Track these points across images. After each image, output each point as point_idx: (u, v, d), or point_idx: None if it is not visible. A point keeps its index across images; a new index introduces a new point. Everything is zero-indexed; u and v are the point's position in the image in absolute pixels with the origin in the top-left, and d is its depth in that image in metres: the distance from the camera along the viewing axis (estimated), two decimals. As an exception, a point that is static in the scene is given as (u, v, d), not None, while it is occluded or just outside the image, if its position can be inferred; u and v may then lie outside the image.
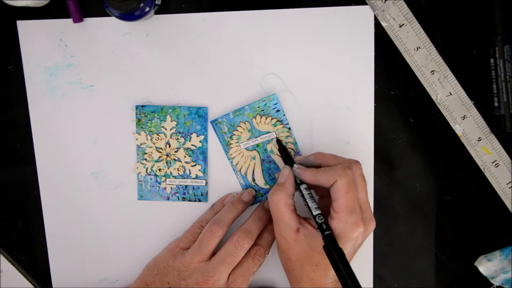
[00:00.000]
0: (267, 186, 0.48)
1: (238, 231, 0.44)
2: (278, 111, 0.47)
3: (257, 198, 0.48)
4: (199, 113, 0.47)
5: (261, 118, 0.47)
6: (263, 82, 0.46)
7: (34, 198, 0.48)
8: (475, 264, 0.48)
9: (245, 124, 0.47)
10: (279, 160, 0.47)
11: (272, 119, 0.47)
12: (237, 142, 0.47)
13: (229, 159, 0.47)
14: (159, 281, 0.45)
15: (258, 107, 0.47)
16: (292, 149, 0.47)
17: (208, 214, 0.47)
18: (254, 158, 0.47)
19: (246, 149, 0.47)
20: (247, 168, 0.48)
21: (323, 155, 0.43)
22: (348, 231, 0.39)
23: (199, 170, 0.47)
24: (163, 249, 0.47)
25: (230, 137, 0.47)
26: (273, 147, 0.47)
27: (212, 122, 0.47)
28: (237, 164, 0.47)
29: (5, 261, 0.49)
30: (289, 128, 0.47)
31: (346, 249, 0.40)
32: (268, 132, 0.47)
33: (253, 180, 0.48)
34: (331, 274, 0.40)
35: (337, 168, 0.40)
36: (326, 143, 0.47)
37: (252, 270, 0.45)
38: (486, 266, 0.47)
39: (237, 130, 0.47)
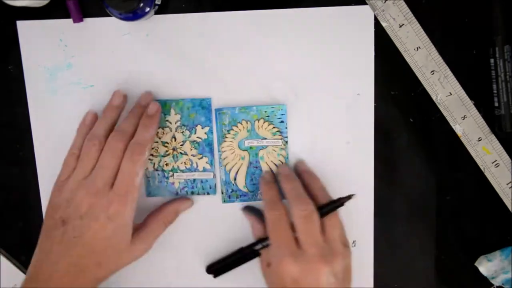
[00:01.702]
0: (245, 190, 0.48)
1: (110, 135, 0.42)
2: (282, 122, 0.47)
3: (230, 198, 0.48)
4: (203, 105, 0.47)
5: (264, 123, 0.47)
6: (266, 86, 0.47)
7: (34, 198, 0.48)
8: (475, 264, 0.48)
9: (246, 123, 0.47)
10: (265, 168, 0.47)
11: (273, 127, 0.47)
12: (233, 138, 0.47)
13: (218, 152, 0.47)
14: (52, 222, 0.41)
15: (265, 111, 0.47)
16: (282, 162, 0.47)
17: (77, 140, 0.45)
18: (243, 158, 0.47)
19: (239, 147, 0.47)
20: (233, 166, 0.47)
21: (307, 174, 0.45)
22: (276, 265, 0.40)
23: (206, 163, 0.47)
24: None
25: (227, 131, 0.47)
26: (265, 154, 0.47)
27: (216, 110, 0.47)
28: (225, 159, 0.47)
29: (5, 261, 0.49)
30: (286, 142, 0.47)
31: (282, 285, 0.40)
32: (265, 139, 0.47)
33: (234, 179, 0.48)
34: None
35: (266, 205, 0.43)
36: (326, 143, 0.47)
37: (134, 171, 0.41)
38: (486, 266, 0.47)
39: (237, 127, 0.47)
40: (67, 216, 0.41)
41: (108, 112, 0.44)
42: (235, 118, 0.47)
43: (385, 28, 0.45)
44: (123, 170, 0.41)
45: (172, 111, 0.47)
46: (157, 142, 0.47)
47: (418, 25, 0.45)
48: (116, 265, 0.42)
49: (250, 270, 0.49)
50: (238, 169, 0.47)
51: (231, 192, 0.48)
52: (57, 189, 0.43)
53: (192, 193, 0.48)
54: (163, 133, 0.47)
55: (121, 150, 0.41)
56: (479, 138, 0.47)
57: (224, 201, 0.48)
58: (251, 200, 0.48)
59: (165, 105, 0.47)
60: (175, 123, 0.47)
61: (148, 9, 0.43)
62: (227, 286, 0.49)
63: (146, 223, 0.44)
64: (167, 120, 0.47)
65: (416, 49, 0.45)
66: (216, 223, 0.48)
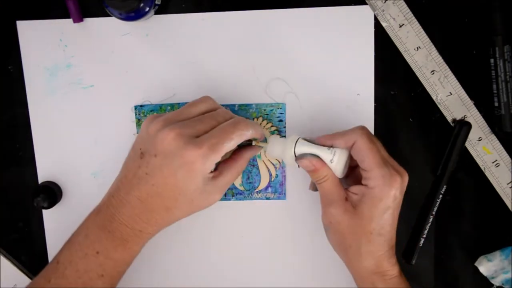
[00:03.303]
0: (242, 188, 0.48)
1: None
2: (281, 121, 0.47)
3: (226, 196, 0.48)
4: None
5: (263, 121, 0.47)
6: (266, 86, 0.46)
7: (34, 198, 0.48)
8: (475, 264, 0.48)
9: None
10: (263, 166, 0.47)
11: (272, 126, 0.47)
12: None
13: None
14: (133, 153, 0.41)
15: (264, 110, 0.47)
16: (279, 162, 0.47)
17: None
18: None
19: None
20: None
21: (325, 136, 0.42)
22: (387, 186, 0.39)
23: None
24: None
25: None
26: (262, 153, 0.47)
27: None
28: (222, 156, 0.47)
29: (5, 261, 0.49)
30: None
31: (388, 209, 0.39)
32: (264, 141, 0.47)
33: None
34: (387, 238, 0.40)
35: (353, 129, 0.40)
36: (326, 143, 0.47)
37: (230, 134, 0.39)
38: (486, 266, 0.47)
39: None
40: (145, 149, 0.39)
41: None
42: None
43: (385, 28, 0.45)
44: (220, 127, 0.39)
45: None
46: None
47: (418, 25, 0.45)
48: (184, 213, 0.41)
49: (251, 270, 0.49)
50: None
51: (227, 190, 0.47)
52: (149, 120, 0.40)
53: None
54: None
55: (226, 120, 0.40)
56: (479, 138, 0.47)
57: (220, 199, 0.48)
58: (247, 199, 0.48)
59: (160, 110, 0.47)
60: None
61: (148, 9, 0.43)
62: (227, 286, 0.49)
63: (221, 172, 0.41)
64: None
65: (416, 49, 0.45)
66: (212, 220, 0.48)
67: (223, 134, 0.39)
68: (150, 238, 0.42)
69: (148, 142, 0.39)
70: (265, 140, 0.46)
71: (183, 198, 0.39)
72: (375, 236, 0.40)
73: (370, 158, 0.39)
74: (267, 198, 0.48)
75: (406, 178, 0.40)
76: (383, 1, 0.45)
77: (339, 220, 0.41)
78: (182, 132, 0.38)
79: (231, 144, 0.39)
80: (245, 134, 0.40)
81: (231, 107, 0.46)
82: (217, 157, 0.39)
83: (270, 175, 0.47)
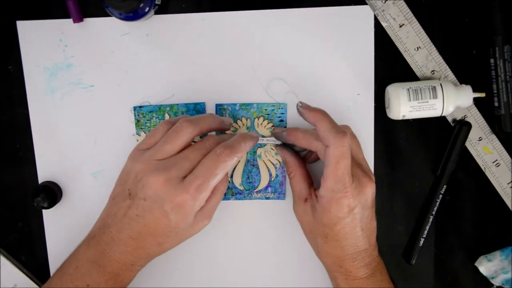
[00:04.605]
0: (241, 188, 0.48)
1: (208, 135, 0.42)
2: (281, 121, 0.47)
3: (226, 195, 0.48)
4: (197, 109, 0.47)
5: (263, 120, 0.47)
6: (267, 86, 0.46)
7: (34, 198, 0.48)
8: (475, 264, 0.48)
9: (246, 120, 0.47)
10: (263, 166, 0.47)
11: (273, 125, 0.47)
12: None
13: None
14: (121, 190, 0.41)
15: (265, 109, 0.47)
16: (279, 161, 0.47)
17: (179, 117, 0.43)
18: None
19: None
20: None
21: (295, 132, 0.43)
22: (336, 199, 0.39)
23: None
24: None
25: None
26: (262, 152, 0.47)
27: (217, 105, 0.47)
28: None
29: (5, 261, 0.49)
30: None
31: (341, 220, 0.39)
32: (263, 136, 0.47)
33: (231, 176, 0.47)
34: (346, 245, 0.40)
35: (332, 134, 0.38)
36: (326, 143, 0.47)
37: (214, 170, 0.39)
38: (486, 266, 0.47)
39: (237, 123, 0.47)
40: (134, 191, 0.40)
41: (217, 118, 0.43)
42: (235, 114, 0.47)
43: (385, 28, 0.45)
44: (202, 165, 0.39)
45: (167, 116, 0.47)
46: None
47: (418, 25, 0.45)
48: (176, 244, 0.42)
49: (251, 270, 0.49)
50: (235, 167, 0.47)
51: (227, 189, 0.47)
52: (133, 157, 0.41)
53: None
54: None
55: (210, 150, 0.40)
56: (479, 137, 0.47)
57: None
58: (246, 199, 0.48)
59: (159, 110, 0.47)
60: None
61: (148, 9, 0.43)
62: (227, 286, 0.49)
63: (208, 199, 0.41)
64: None
65: (416, 49, 0.46)
66: (211, 220, 0.48)
67: (206, 172, 0.39)
68: (140, 270, 0.43)
69: (136, 185, 0.40)
70: (260, 135, 0.46)
71: (174, 234, 0.40)
72: (330, 240, 0.41)
73: (331, 170, 0.38)
74: (267, 198, 0.48)
75: (367, 191, 0.40)
76: (383, 1, 0.45)
77: (300, 220, 0.44)
78: (169, 176, 0.38)
79: (216, 179, 0.39)
80: (229, 164, 0.40)
81: (232, 106, 0.46)
82: (206, 195, 0.39)
83: (270, 175, 0.47)
